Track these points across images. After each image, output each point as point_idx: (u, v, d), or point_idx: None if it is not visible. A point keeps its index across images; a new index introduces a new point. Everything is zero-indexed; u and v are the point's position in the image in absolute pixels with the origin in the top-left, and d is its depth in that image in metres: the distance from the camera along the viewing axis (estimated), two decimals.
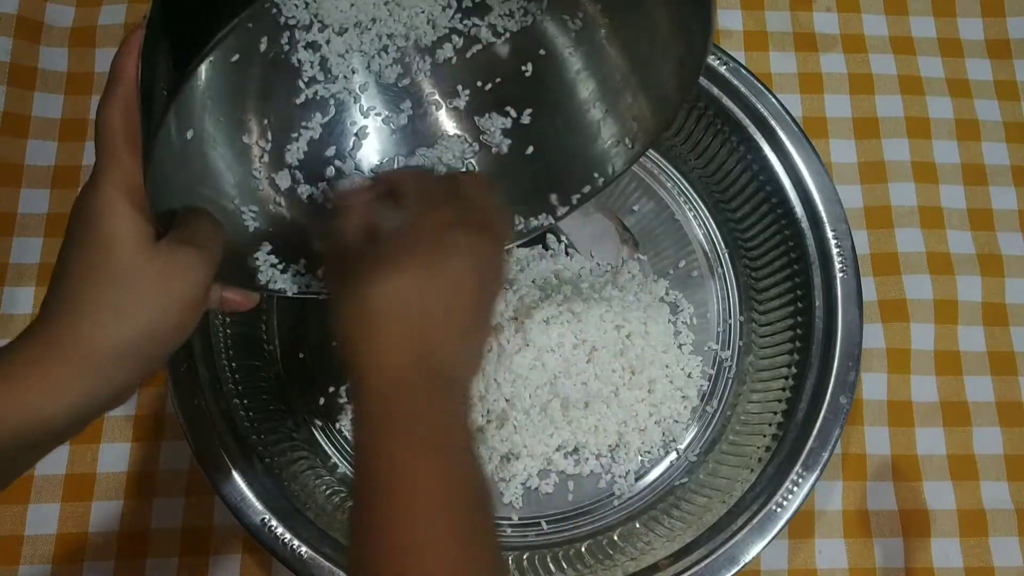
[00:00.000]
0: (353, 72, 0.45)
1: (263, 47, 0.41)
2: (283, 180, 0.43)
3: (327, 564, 0.46)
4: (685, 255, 0.59)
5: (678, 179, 0.61)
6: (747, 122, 0.55)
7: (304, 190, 0.43)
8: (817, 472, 0.48)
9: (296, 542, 0.46)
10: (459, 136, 0.46)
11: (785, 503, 0.48)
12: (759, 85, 0.55)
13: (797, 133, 0.55)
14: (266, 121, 0.43)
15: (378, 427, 0.34)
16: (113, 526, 0.52)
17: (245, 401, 0.51)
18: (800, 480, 0.48)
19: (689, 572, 0.46)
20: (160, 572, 0.52)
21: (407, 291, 0.35)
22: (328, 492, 0.52)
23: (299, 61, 0.43)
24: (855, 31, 0.65)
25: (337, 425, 0.55)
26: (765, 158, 0.55)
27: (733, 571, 0.47)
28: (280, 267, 0.42)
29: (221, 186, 0.41)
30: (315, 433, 0.55)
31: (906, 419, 0.57)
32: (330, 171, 0.43)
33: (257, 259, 0.42)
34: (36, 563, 0.51)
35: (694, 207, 0.60)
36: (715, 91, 0.56)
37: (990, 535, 0.55)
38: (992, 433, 0.57)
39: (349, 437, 0.54)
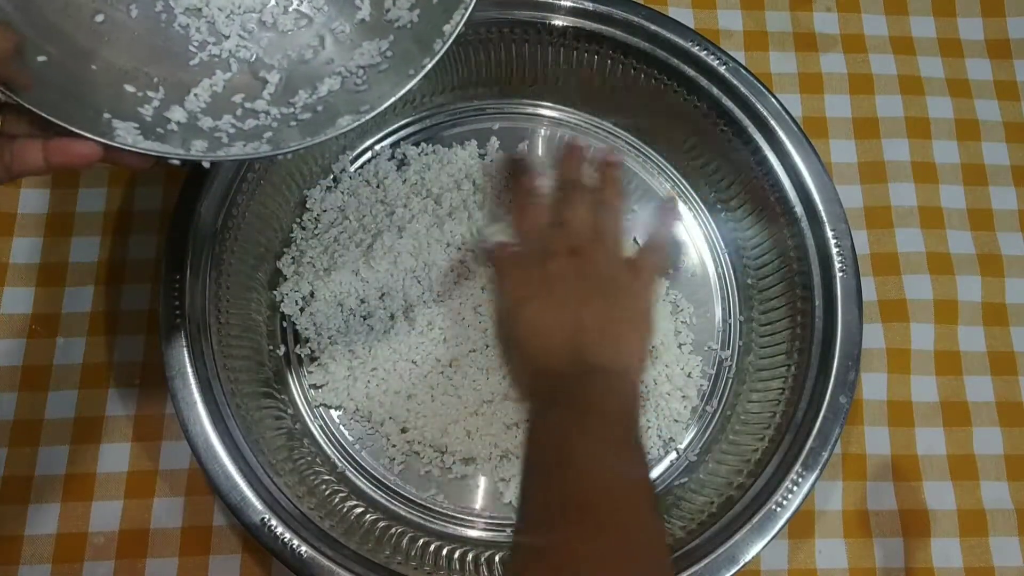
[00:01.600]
0: (250, 31, 0.44)
1: (134, 13, 0.41)
2: (177, 114, 0.40)
3: (327, 564, 0.46)
4: (685, 255, 0.59)
5: (678, 179, 0.61)
6: (747, 122, 0.56)
7: (206, 123, 0.40)
8: (817, 472, 0.48)
9: (296, 542, 0.46)
10: (371, 41, 0.44)
11: (785, 503, 0.48)
12: (759, 85, 0.55)
13: (797, 133, 0.55)
14: (156, 79, 0.41)
15: (543, 408, 0.42)
16: (113, 526, 0.52)
17: (245, 400, 0.51)
18: (800, 480, 0.48)
19: (689, 572, 0.46)
20: (160, 572, 0.52)
21: (559, 314, 0.44)
22: (328, 492, 0.52)
23: (182, 27, 0.42)
24: (855, 31, 0.65)
25: (337, 425, 0.55)
26: (765, 158, 0.55)
27: (733, 571, 0.47)
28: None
29: (94, 103, 0.38)
30: (315, 432, 0.54)
31: (906, 419, 0.57)
32: (239, 111, 0.41)
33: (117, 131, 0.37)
34: (36, 563, 0.51)
35: (694, 207, 0.60)
36: (715, 91, 0.56)
37: (990, 535, 0.55)
38: (992, 433, 0.57)
39: (350, 437, 0.54)
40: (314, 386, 0.55)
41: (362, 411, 0.54)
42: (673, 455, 0.55)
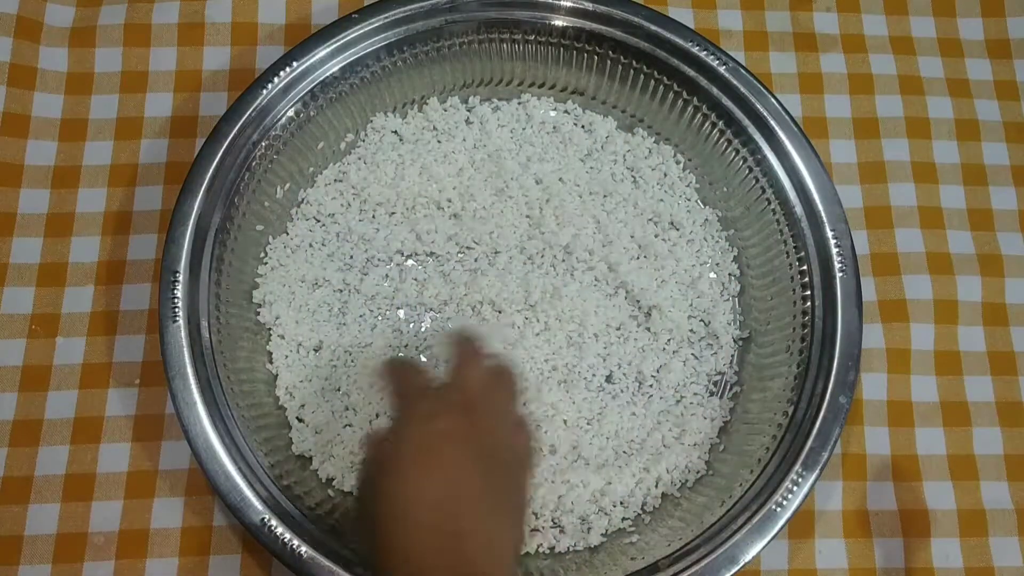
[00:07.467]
0: None
1: None
2: None
3: (327, 564, 0.46)
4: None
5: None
6: (747, 122, 0.56)
7: None
8: (817, 472, 0.48)
9: (296, 542, 0.46)
10: None
11: (785, 503, 0.48)
12: (759, 85, 0.55)
13: (797, 133, 0.55)
14: None
15: None
16: (113, 526, 0.52)
17: (245, 402, 0.51)
18: (800, 480, 0.48)
19: (689, 572, 0.46)
20: (160, 572, 0.52)
21: (434, 487, 0.37)
22: (328, 493, 0.52)
23: None
24: (855, 31, 0.65)
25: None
26: (765, 158, 0.55)
27: (733, 571, 0.47)
28: None
29: None
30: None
31: (906, 419, 0.57)
32: None
33: None
34: (36, 563, 0.51)
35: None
36: (715, 91, 0.56)
37: (990, 535, 0.55)
38: (992, 433, 0.57)
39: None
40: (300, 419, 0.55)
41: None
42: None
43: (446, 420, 0.40)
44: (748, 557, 0.47)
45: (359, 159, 0.59)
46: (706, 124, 0.58)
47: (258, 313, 0.55)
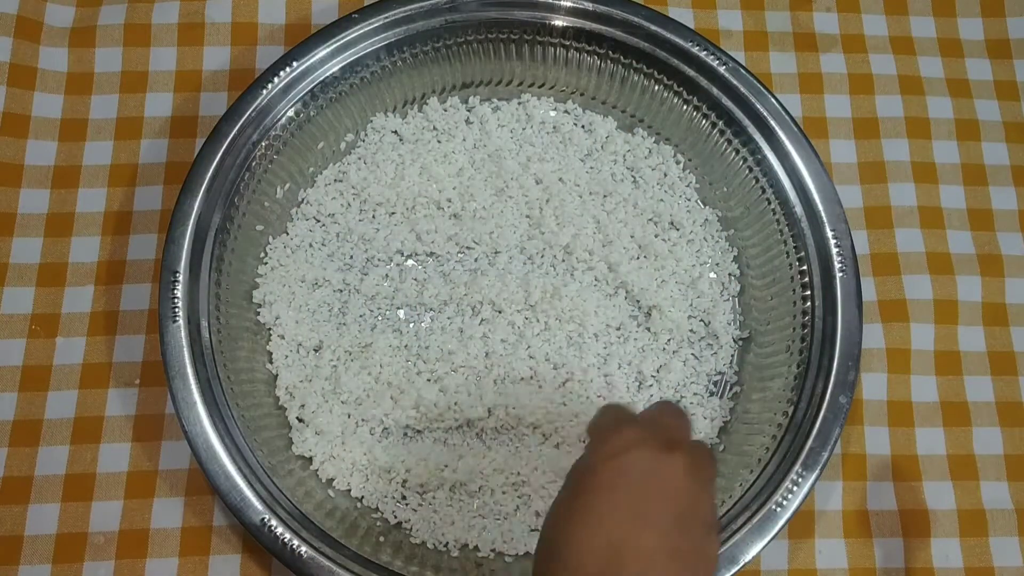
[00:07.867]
0: None
1: None
2: None
3: (327, 564, 0.46)
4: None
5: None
6: (747, 122, 0.56)
7: None
8: (817, 472, 0.48)
9: (296, 542, 0.46)
10: None
11: (785, 503, 0.48)
12: (759, 85, 0.55)
13: (797, 133, 0.55)
14: None
15: None
16: (113, 526, 0.52)
17: (245, 402, 0.51)
18: (800, 480, 0.48)
19: None
20: (160, 572, 0.52)
21: (611, 526, 0.33)
22: (328, 493, 0.52)
23: None
24: (855, 31, 0.65)
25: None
26: (765, 158, 0.55)
27: (733, 571, 0.47)
28: None
29: None
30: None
31: (906, 419, 0.57)
32: None
33: None
34: (36, 563, 0.51)
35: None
36: (715, 91, 0.56)
37: (990, 535, 0.55)
38: (992, 433, 0.57)
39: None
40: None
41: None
42: None
43: (639, 453, 0.35)
44: (748, 557, 0.47)
45: (359, 159, 0.59)
46: (706, 124, 0.58)
47: (258, 313, 0.55)
